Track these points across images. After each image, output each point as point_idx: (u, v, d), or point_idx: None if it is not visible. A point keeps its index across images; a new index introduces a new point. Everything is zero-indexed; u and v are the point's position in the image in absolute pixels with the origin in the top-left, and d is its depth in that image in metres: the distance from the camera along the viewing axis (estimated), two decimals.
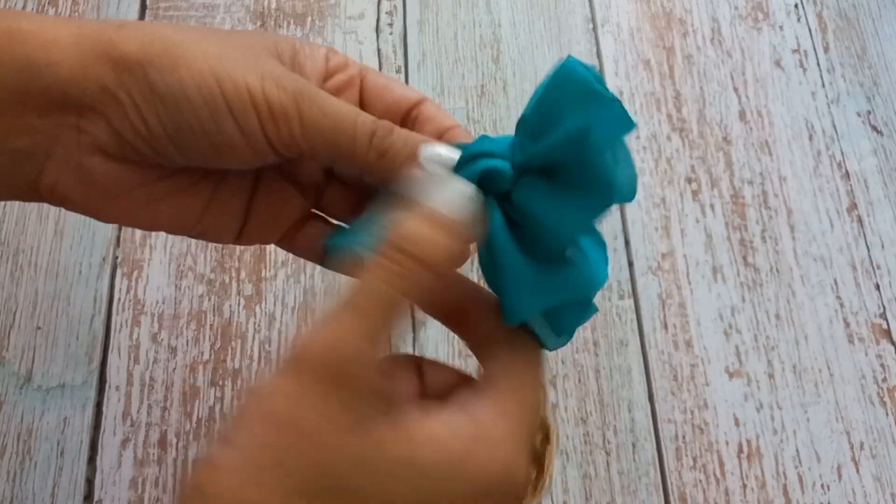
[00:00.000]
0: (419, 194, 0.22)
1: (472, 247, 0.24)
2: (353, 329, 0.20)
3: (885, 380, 0.49)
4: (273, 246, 0.49)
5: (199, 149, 0.23)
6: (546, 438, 0.26)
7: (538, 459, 0.26)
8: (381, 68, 0.56)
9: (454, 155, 0.24)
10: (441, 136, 0.26)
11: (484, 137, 0.24)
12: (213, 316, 0.47)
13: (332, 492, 0.19)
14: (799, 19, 0.60)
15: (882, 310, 0.51)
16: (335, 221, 0.30)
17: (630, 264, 0.51)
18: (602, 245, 0.26)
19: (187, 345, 0.47)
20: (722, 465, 0.46)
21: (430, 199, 0.22)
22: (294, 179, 0.28)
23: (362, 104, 0.27)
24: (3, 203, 0.50)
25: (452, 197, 0.22)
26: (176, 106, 0.22)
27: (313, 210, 0.29)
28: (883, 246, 0.53)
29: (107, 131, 0.23)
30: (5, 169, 0.23)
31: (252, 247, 0.49)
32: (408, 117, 0.27)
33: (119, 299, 0.47)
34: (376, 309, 0.21)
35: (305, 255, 0.30)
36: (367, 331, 0.20)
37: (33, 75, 0.22)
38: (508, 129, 0.54)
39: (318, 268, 0.49)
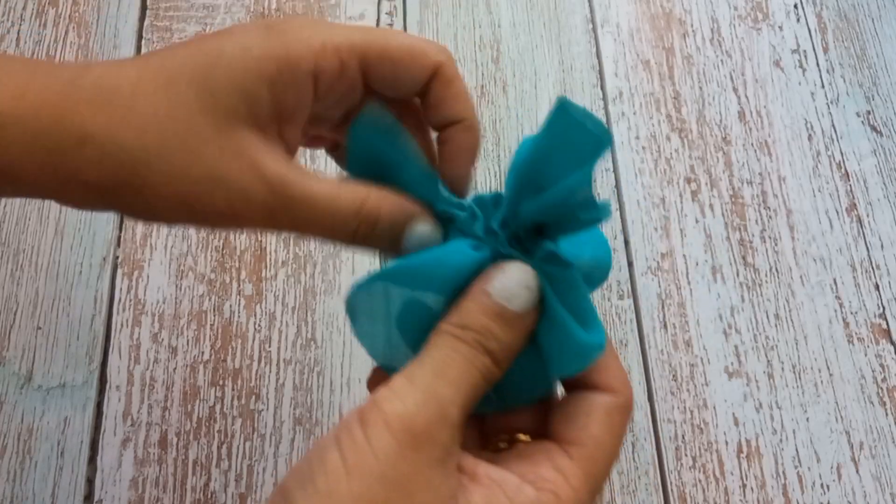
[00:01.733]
0: (488, 282, 0.23)
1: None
2: (447, 398, 0.21)
3: (884, 380, 0.49)
4: (273, 246, 0.49)
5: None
6: None
7: None
8: None
9: (437, 236, 0.25)
10: (445, 128, 0.27)
11: (474, 203, 0.25)
12: (214, 316, 0.47)
13: None
14: (798, 20, 0.60)
15: (881, 310, 0.51)
16: None
17: (630, 264, 0.51)
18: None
19: (188, 344, 0.47)
20: (721, 464, 0.46)
21: (497, 290, 0.23)
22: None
23: (373, 87, 0.27)
24: (3, 203, 0.50)
25: (518, 289, 0.23)
26: (153, 218, 0.24)
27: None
28: (882, 246, 0.53)
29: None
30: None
31: (252, 247, 0.49)
32: (424, 94, 0.27)
33: (119, 299, 0.48)
34: (468, 385, 0.22)
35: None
36: (461, 402, 0.21)
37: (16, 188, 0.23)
38: (508, 129, 0.54)
39: (318, 268, 0.49)
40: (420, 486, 0.20)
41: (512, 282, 0.23)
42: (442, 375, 0.21)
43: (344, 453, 0.20)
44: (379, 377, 0.27)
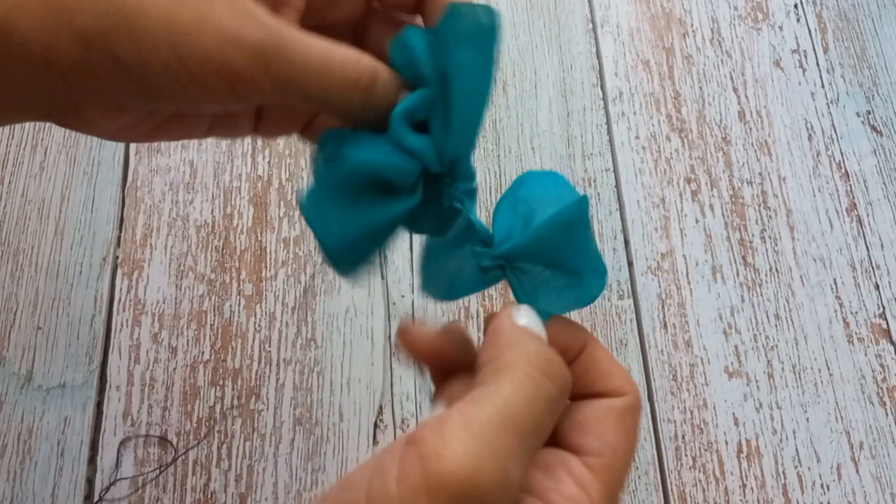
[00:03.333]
0: (534, 324, 0.23)
1: None
2: (513, 453, 0.18)
3: (884, 380, 0.49)
4: (273, 246, 0.49)
5: (176, 106, 0.23)
6: None
7: None
8: None
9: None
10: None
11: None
12: (214, 316, 0.47)
13: None
14: (798, 19, 0.60)
15: (881, 310, 0.51)
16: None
17: (630, 264, 0.51)
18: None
19: (188, 344, 0.47)
20: (721, 464, 0.46)
21: (525, 324, 0.23)
22: None
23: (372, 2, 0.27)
24: (3, 203, 0.50)
25: (538, 324, 0.23)
26: (142, 76, 0.22)
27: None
28: (882, 246, 0.53)
29: (91, 91, 0.23)
30: (19, 111, 0.23)
31: (252, 247, 0.49)
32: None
33: (119, 299, 0.48)
34: (534, 427, 0.19)
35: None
36: (523, 455, 0.19)
37: (9, 45, 0.21)
38: (508, 129, 0.54)
39: (318, 268, 0.49)
40: None
41: (533, 317, 0.23)
42: (507, 421, 0.18)
43: None
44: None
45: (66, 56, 0.22)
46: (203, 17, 0.22)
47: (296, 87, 0.23)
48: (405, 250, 0.50)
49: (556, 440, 0.23)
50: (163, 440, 0.44)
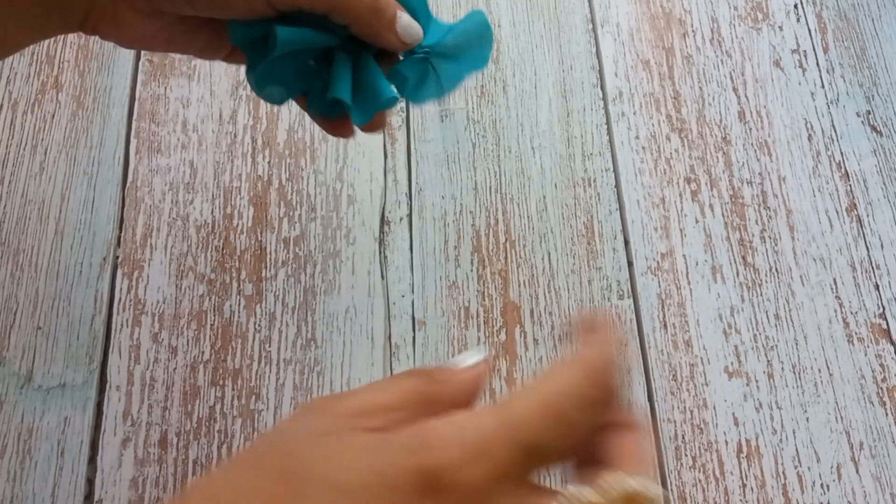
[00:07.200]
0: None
1: None
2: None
3: (884, 380, 0.49)
4: (273, 245, 0.49)
5: (206, 3, 0.30)
6: None
7: None
8: None
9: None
10: None
11: None
12: (214, 316, 0.47)
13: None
14: (798, 19, 0.60)
15: (881, 310, 0.51)
16: None
17: (629, 264, 0.51)
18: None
19: (188, 344, 0.47)
20: (721, 464, 0.46)
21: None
22: None
23: None
24: (2, 203, 0.50)
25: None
26: None
27: None
28: (882, 246, 0.53)
29: None
30: (58, 18, 0.30)
31: (252, 247, 0.49)
32: None
33: (119, 299, 0.48)
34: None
35: None
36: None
37: None
38: (508, 129, 0.54)
39: (318, 268, 0.49)
40: None
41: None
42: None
43: None
44: None
45: None
46: None
47: None
48: (405, 250, 0.50)
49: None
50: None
